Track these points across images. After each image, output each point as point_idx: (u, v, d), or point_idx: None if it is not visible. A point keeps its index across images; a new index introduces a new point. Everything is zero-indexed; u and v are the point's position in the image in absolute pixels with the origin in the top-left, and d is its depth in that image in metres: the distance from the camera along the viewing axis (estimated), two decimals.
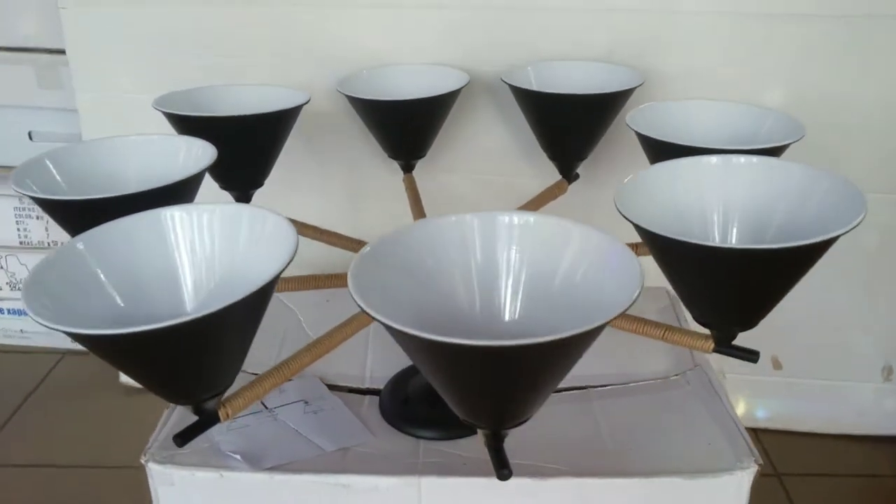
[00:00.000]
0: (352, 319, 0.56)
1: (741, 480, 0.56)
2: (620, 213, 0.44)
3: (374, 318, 0.35)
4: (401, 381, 0.70)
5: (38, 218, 1.09)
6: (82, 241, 0.43)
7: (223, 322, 0.36)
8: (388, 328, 0.34)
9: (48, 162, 0.55)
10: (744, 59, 0.86)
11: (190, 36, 0.89)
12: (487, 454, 0.60)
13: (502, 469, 0.40)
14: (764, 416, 1.00)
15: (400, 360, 0.73)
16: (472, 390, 0.35)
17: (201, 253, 0.45)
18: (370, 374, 0.72)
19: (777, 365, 0.99)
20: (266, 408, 0.65)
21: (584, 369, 0.72)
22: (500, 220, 0.43)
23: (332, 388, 0.69)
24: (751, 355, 0.49)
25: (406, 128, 0.78)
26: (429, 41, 0.88)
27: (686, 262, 0.43)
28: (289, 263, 0.39)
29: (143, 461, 0.56)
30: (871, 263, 0.94)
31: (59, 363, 1.13)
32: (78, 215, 0.49)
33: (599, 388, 0.69)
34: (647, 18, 0.85)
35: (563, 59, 0.83)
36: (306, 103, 0.72)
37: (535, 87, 0.76)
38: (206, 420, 0.44)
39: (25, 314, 1.17)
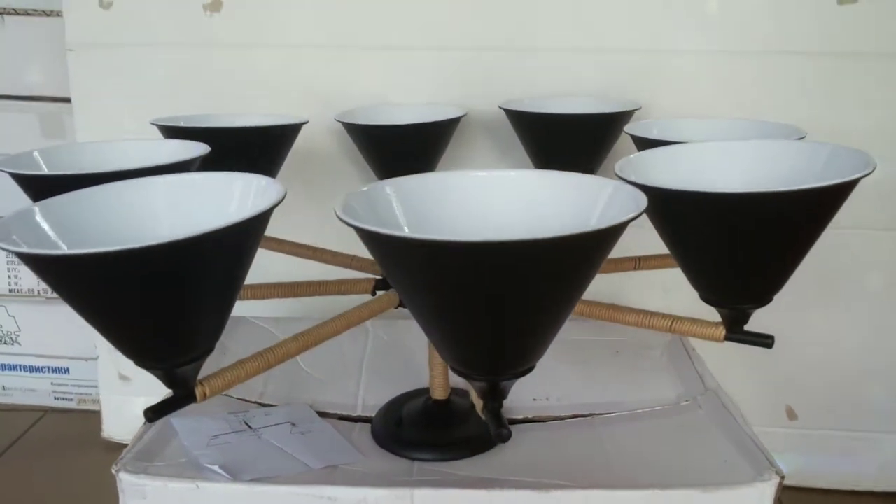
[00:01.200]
0: (342, 315, 0.53)
1: (763, 493, 0.52)
2: (619, 176, 0.43)
3: (358, 229, 0.33)
4: (394, 405, 0.67)
5: None
6: (71, 196, 0.41)
7: (198, 255, 0.34)
8: (374, 236, 0.32)
9: (37, 155, 0.54)
10: (736, 97, 0.87)
11: (193, 78, 0.91)
12: (485, 473, 0.56)
13: (500, 429, 0.36)
14: None
15: (393, 390, 0.70)
16: (467, 316, 0.32)
17: (189, 220, 0.43)
18: (362, 403, 0.68)
19: (791, 415, 0.94)
20: (250, 427, 0.62)
21: (587, 398, 0.69)
22: (504, 175, 0.41)
23: (322, 415, 0.65)
24: (765, 339, 0.47)
25: (404, 156, 0.77)
26: (428, 82, 0.89)
27: (690, 221, 0.41)
28: (276, 205, 0.37)
29: (113, 471, 0.52)
30: (879, 305, 0.91)
31: (41, 420, 1.08)
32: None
33: (604, 416, 0.65)
34: (641, 58, 0.86)
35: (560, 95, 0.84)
36: (305, 124, 0.72)
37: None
38: (182, 395, 0.41)
39: (8, 370, 1.13)
